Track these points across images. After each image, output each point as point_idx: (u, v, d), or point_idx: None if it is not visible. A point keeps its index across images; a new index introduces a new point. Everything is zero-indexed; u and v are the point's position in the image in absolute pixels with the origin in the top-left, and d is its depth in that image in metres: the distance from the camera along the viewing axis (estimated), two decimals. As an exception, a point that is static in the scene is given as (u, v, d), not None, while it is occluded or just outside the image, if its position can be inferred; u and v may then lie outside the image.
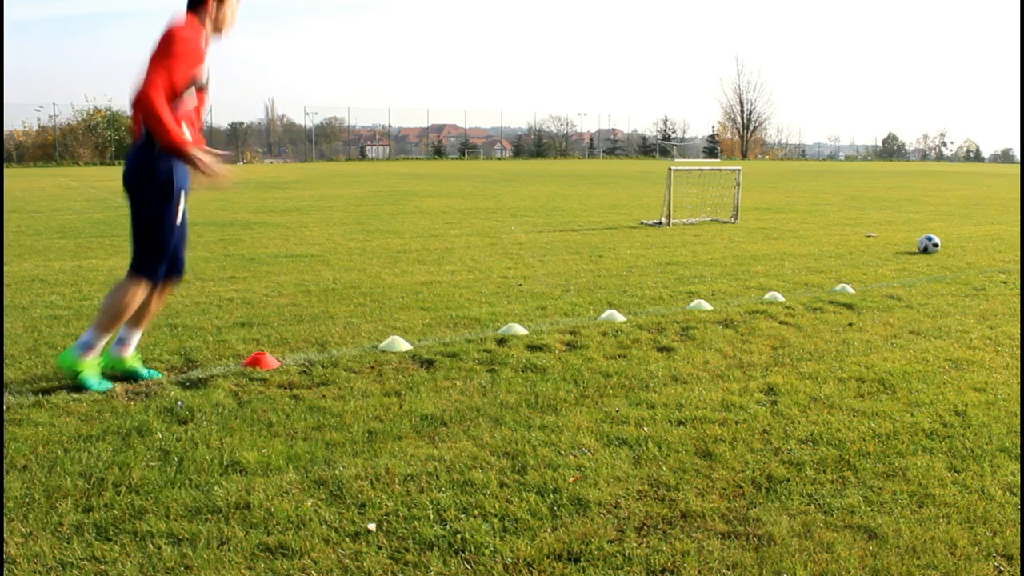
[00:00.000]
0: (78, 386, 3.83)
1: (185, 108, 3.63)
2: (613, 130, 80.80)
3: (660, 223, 12.07)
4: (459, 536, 2.54)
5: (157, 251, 3.79)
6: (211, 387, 3.96)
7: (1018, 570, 2.42)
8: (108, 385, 3.87)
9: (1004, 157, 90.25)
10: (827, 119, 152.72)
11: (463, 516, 2.68)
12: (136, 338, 4.02)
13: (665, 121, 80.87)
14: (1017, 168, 50.98)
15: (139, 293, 3.81)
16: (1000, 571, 2.42)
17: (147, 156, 3.60)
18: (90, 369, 3.83)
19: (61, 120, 47.85)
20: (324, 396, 3.86)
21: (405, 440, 3.33)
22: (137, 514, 2.66)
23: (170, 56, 3.48)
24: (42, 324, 5.30)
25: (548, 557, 2.44)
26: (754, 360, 4.56)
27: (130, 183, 3.69)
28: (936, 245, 9.21)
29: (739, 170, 13.13)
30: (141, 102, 3.43)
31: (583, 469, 3.05)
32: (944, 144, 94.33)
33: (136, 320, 3.95)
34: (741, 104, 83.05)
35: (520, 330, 5.13)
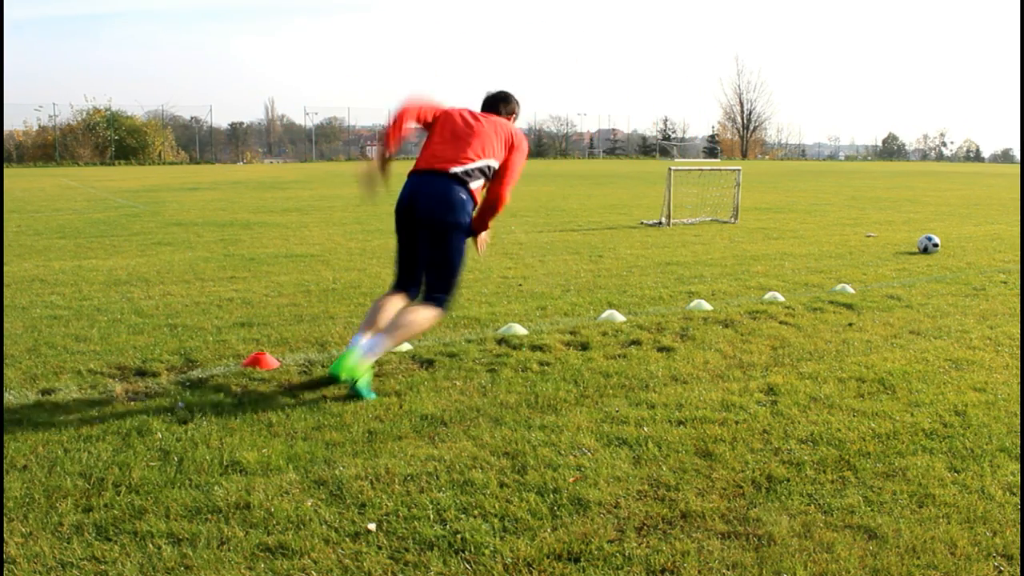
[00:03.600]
0: (352, 393, 3.81)
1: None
2: (613, 130, 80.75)
3: (660, 223, 12.07)
4: (459, 536, 2.54)
5: (457, 286, 4.18)
6: (211, 387, 3.97)
7: (1018, 570, 2.42)
8: (373, 395, 3.87)
9: (1004, 157, 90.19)
10: (827, 119, 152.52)
11: (463, 516, 2.68)
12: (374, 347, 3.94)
13: (665, 121, 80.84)
14: (1017, 168, 50.98)
15: (437, 322, 4.27)
16: (1000, 571, 2.42)
17: (467, 204, 4.05)
18: (366, 376, 3.88)
19: (61, 120, 47.84)
20: (324, 396, 3.86)
21: (405, 440, 3.33)
22: (137, 514, 2.66)
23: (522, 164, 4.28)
24: (42, 324, 5.30)
25: (548, 557, 2.44)
26: (754, 360, 4.56)
27: (450, 218, 4.00)
28: (936, 245, 9.21)
29: (739, 170, 13.13)
30: (504, 200, 4.19)
31: (583, 469, 3.05)
32: (944, 144, 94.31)
33: (373, 327, 4.05)
34: (741, 104, 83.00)
35: (520, 330, 5.13)
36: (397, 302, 4.14)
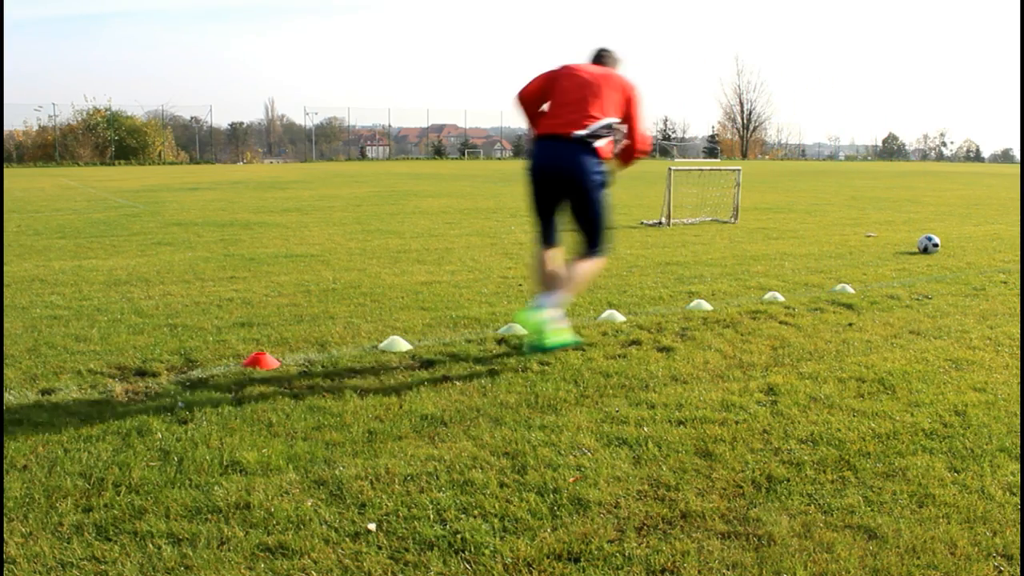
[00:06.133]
0: (541, 348, 4.48)
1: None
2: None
3: (660, 223, 12.07)
4: (459, 536, 2.54)
5: (609, 231, 4.68)
6: (211, 387, 3.97)
7: (1018, 570, 2.42)
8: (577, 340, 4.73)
9: (1004, 157, 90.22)
10: (827, 119, 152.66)
11: (463, 516, 2.68)
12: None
13: (665, 121, 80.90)
14: (1017, 168, 50.97)
15: (602, 266, 4.83)
16: (1000, 571, 2.42)
17: (599, 164, 4.47)
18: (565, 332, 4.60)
19: (61, 120, 47.85)
20: (324, 396, 3.87)
21: (405, 440, 3.33)
22: (137, 514, 2.66)
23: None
24: (42, 324, 5.30)
25: (548, 557, 2.44)
26: (754, 360, 4.56)
27: (587, 181, 4.43)
28: (936, 245, 9.21)
29: (739, 170, 13.13)
30: (642, 148, 4.67)
31: (583, 469, 3.05)
32: (944, 144, 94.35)
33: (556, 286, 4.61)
34: (741, 104, 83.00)
35: (520, 330, 5.12)
36: (555, 256, 4.64)
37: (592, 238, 4.58)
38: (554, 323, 4.43)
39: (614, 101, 4.46)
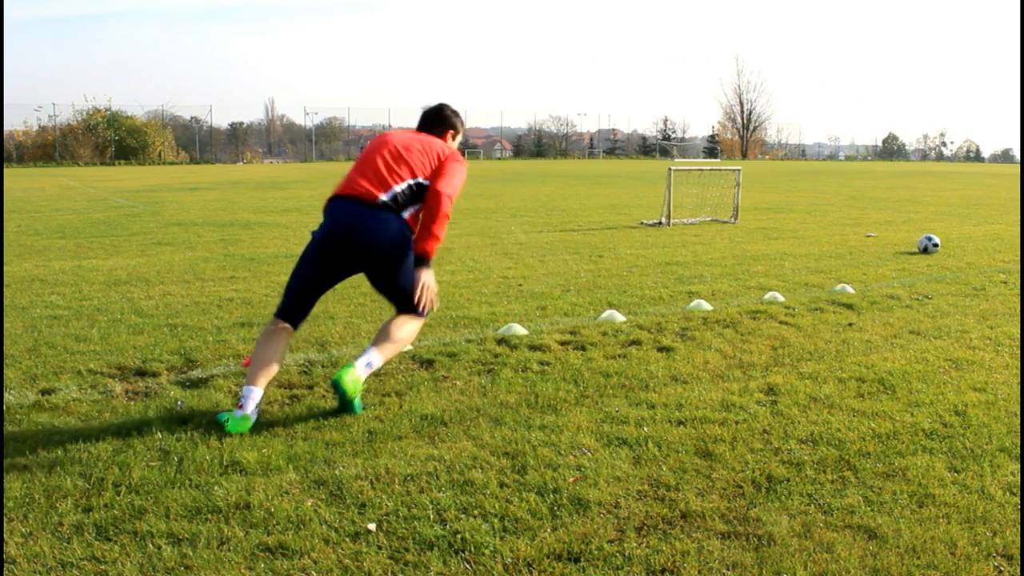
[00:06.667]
0: (345, 406, 3.59)
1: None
2: (613, 130, 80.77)
3: (660, 223, 12.07)
4: (459, 536, 2.54)
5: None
6: (211, 387, 3.97)
7: (1018, 570, 2.42)
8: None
9: (1004, 157, 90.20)
10: (827, 119, 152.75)
11: (463, 516, 2.68)
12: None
13: (665, 121, 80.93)
14: (1017, 168, 50.96)
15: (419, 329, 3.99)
16: (1000, 571, 2.42)
17: (406, 232, 3.69)
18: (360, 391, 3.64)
19: (61, 120, 47.88)
20: (324, 396, 3.86)
21: (405, 440, 3.33)
22: (137, 514, 2.66)
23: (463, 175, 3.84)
24: (42, 324, 5.30)
25: (548, 557, 2.44)
26: (754, 360, 4.56)
27: (394, 250, 3.67)
28: (936, 245, 9.21)
29: (739, 170, 13.13)
30: (446, 203, 3.68)
31: (583, 469, 3.05)
32: (944, 144, 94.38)
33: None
34: (741, 104, 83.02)
35: (520, 330, 5.13)
36: (284, 338, 3.69)
37: (408, 304, 3.80)
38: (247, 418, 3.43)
39: (425, 163, 3.71)
